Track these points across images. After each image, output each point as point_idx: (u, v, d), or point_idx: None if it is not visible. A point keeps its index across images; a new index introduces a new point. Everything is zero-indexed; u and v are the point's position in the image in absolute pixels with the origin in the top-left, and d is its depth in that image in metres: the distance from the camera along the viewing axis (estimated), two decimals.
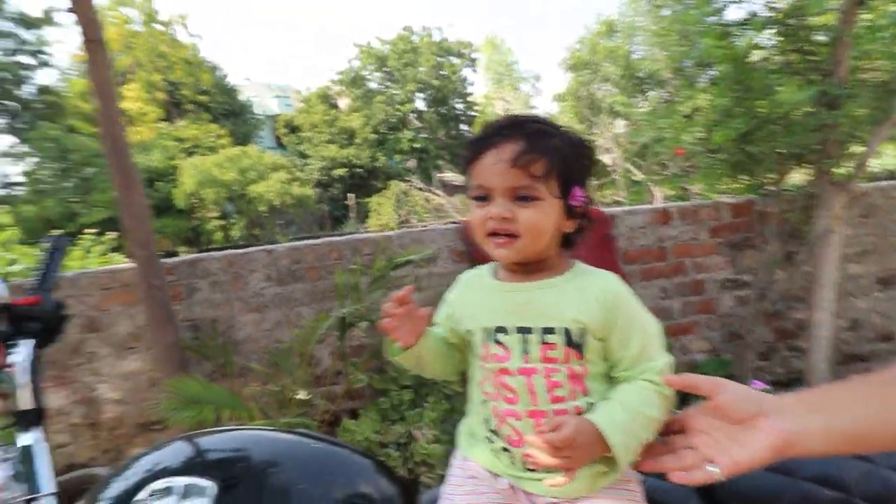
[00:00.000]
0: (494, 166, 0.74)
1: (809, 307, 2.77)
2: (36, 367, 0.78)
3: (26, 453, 0.70)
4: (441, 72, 20.99)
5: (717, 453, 0.60)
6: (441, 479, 2.39)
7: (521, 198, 0.73)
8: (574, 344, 0.75)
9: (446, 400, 2.58)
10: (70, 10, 2.01)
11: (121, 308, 2.48)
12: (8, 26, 13.49)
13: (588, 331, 0.75)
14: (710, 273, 2.98)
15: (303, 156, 18.64)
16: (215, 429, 1.08)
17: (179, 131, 14.56)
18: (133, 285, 2.40)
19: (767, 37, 2.73)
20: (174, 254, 2.57)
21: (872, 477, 0.85)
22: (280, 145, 21.24)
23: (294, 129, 20.01)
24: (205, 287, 2.52)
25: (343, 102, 21.19)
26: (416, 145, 19.56)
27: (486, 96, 14.49)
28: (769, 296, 2.88)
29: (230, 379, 2.49)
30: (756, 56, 2.80)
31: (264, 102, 24.54)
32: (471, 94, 22.17)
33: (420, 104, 21.46)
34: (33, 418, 0.73)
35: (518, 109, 13.68)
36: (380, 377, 2.69)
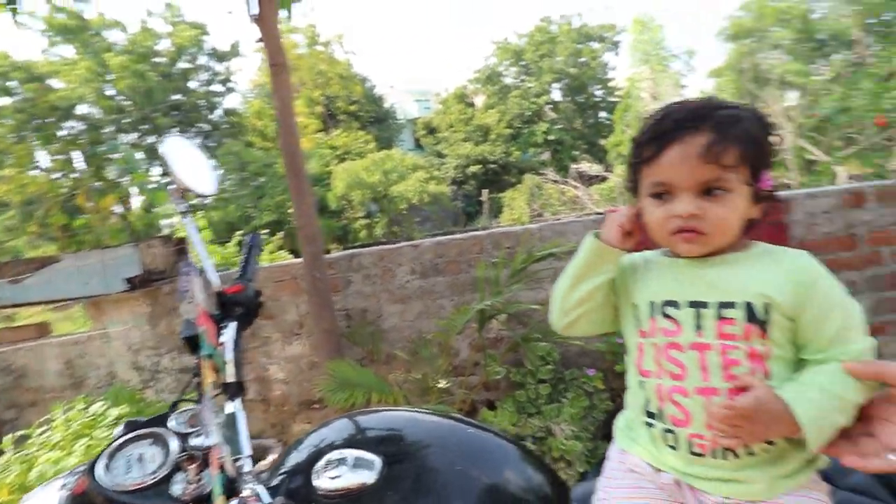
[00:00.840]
0: (681, 162, 0.69)
1: None
2: (238, 345, 0.92)
3: (230, 420, 0.82)
4: (580, 59, 20.18)
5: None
6: (580, 476, 2.32)
7: (710, 191, 0.69)
8: (757, 320, 0.68)
9: (586, 396, 2.50)
10: (259, 40, 2.37)
11: (289, 298, 2.84)
12: (205, 61, 16.33)
13: (775, 307, 0.67)
14: None
15: (440, 155, 19.42)
16: (374, 408, 1.17)
17: (333, 140, 16.22)
18: (300, 277, 2.73)
19: None
20: (327, 251, 2.90)
21: None
22: (419, 146, 22.42)
23: (432, 131, 20.94)
24: (358, 280, 2.77)
25: (479, 100, 21.58)
26: (551, 137, 19.11)
27: (630, 79, 13.54)
28: None
29: (377, 365, 2.71)
30: None
31: (406, 107, 26.07)
32: (612, 79, 20.98)
33: (556, 95, 20.91)
34: (236, 390, 0.86)
35: (667, 90, 12.55)
36: (517, 370, 2.69)
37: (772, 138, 0.71)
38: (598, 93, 21.09)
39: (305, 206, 2.47)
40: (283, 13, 2.63)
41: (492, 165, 18.21)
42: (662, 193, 0.72)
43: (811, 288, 0.67)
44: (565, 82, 20.35)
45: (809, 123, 7.97)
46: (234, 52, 16.72)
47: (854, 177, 5.49)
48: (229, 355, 0.88)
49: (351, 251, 2.84)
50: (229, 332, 0.91)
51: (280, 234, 6.08)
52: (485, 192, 15.40)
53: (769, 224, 2.46)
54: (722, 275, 0.72)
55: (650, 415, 0.76)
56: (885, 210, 2.45)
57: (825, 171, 4.49)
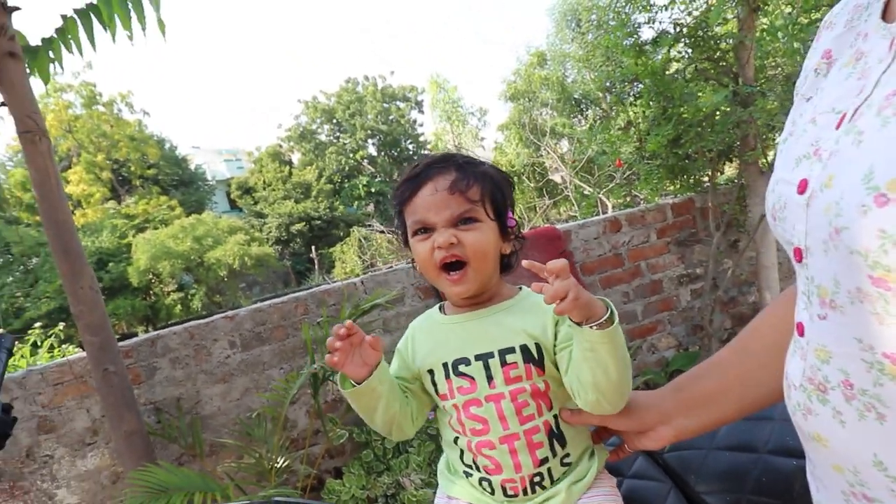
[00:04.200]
0: (433, 197, 0.76)
1: (759, 289, 2.91)
2: None
3: None
4: (389, 116, 21.47)
5: (629, 444, 0.82)
6: None
7: (463, 222, 0.76)
8: (533, 359, 0.76)
9: (431, 440, 2.53)
10: (2, 104, 1.98)
11: (75, 402, 2.33)
12: None
13: (543, 345, 0.76)
14: (664, 272, 3.09)
15: (259, 215, 18.44)
16: None
17: (129, 208, 14.20)
18: (87, 375, 2.28)
19: (680, 50, 2.96)
20: (133, 335, 2.48)
21: None
22: (235, 208, 20.98)
23: (248, 191, 19.86)
24: (165, 365, 2.42)
25: (296, 158, 21.26)
26: (373, 189, 19.72)
27: (436, 133, 14.86)
28: (721, 285, 3.01)
29: (201, 459, 2.37)
30: (673, 68, 3.02)
31: (215, 167, 24.34)
32: (421, 134, 22.72)
33: (372, 150, 21.80)
34: None
35: (468, 141, 14.04)
36: (360, 429, 2.61)
37: (509, 186, 0.83)
38: (411, 147, 22.66)
39: (84, 290, 2.09)
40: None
41: (317, 221, 17.94)
42: (423, 230, 0.78)
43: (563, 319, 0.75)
44: (378, 138, 21.42)
45: (579, 165, 9.72)
46: None
47: (616, 206, 6.81)
48: None
49: (153, 334, 2.46)
50: None
51: (61, 325, 5.00)
52: (313, 248, 15.00)
53: (558, 254, 2.89)
54: (498, 323, 0.79)
55: (467, 465, 0.80)
56: (635, 232, 3.08)
57: (593, 204, 5.56)
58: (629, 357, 0.72)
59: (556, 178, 10.86)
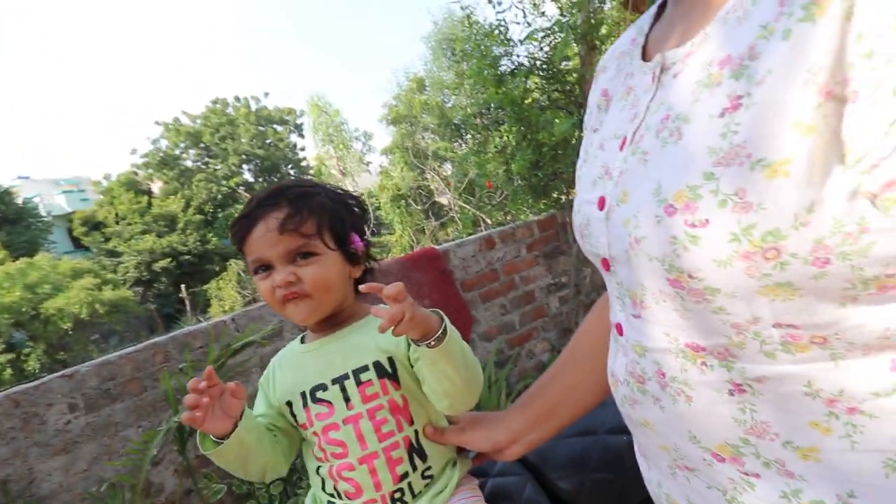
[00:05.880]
0: (266, 236, 0.75)
1: None
2: None
3: None
4: (266, 140, 20.47)
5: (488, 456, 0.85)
6: None
7: (302, 256, 0.75)
8: (387, 374, 0.77)
9: None
10: None
11: None
12: None
13: (396, 358, 0.77)
14: (535, 283, 3.33)
15: (113, 254, 16.29)
16: None
17: None
18: None
19: (536, 81, 3.26)
20: None
21: None
22: (80, 247, 18.34)
23: (96, 226, 17.48)
24: None
25: (156, 187, 19.28)
26: None
27: (318, 157, 14.51)
28: (583, 290, 3.33)
29: None
30: (532, 97, 3.31)
31: (51, 201, 21.17)
32: (303, 158, 21.96)
33: (248, 176, 20.58)
34: None
35: (353, 166, 13.90)
36: (241, 480, 2.39)
37: (353, 208, 0.83)
38: (292, 171, 21.82)
39: None
40: None
41: (186, 256, 16.36)
42: (262, 268, 0.77)
43: None
44: (255, 163, 20.33)
45: (462, 187, 10.15)
46: None
47: (494, 224, 7.22)
48: None
49: None
50: None
51: None
52: (183, 287, 13.61)
53: (438, 273, 2.96)
54: (351, 344, 0.79)
55: (329, 495, 0.79)
56: (507, 248, 3.27)
57: (470, 224, 5.85)
58: (472, 358, 0.76)
59: (443, 199, 11.21)
